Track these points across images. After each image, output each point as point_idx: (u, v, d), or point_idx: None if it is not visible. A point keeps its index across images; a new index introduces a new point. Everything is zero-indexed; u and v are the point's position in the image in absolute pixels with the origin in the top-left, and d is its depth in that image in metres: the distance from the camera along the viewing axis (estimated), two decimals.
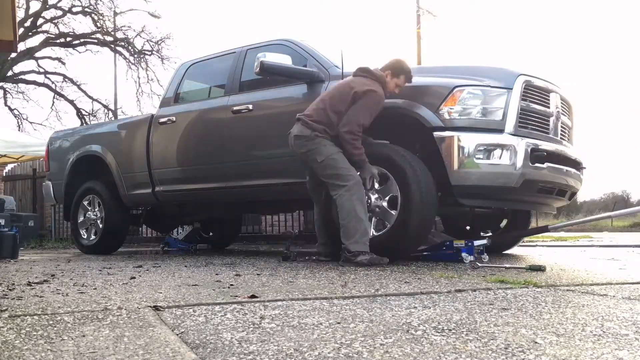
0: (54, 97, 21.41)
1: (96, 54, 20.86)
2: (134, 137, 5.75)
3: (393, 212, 3.73)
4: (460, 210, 4.40)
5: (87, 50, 20.86)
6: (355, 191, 3.60)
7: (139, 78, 20.80)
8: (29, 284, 2.89)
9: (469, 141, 3.64)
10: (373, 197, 3.83)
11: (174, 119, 5.36)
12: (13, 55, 18.05)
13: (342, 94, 3.77)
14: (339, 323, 1.64)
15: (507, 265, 3.49)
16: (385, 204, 3.79)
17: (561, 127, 4.20)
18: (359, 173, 3.68)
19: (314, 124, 3.75)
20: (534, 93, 3.95)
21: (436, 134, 3.70)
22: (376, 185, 3.83)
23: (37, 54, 20.45)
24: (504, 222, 5.04)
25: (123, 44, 20.38)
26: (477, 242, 3.97)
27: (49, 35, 20.33)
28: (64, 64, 20.90)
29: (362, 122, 3.67)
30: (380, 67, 3.89)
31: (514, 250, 5.27)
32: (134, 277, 3.14)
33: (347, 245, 3.57)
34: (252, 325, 1.62)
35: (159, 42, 20.36)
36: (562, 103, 4.24)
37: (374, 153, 3.77)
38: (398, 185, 3.68)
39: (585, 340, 1.38)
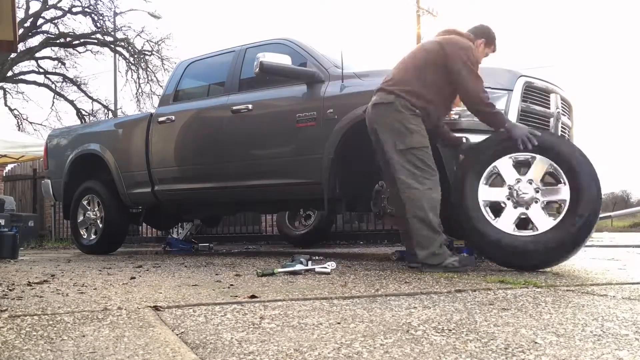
0: (54, 97, 21.43)
1: (96, 54, 20.86)
2: (133, 136, 5.75)
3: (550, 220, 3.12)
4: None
5: (87, 50, 20.86)
6: (426, 197, 3.16)
7: (138, 78, 20.80)
8: (29, 284, 2.89)
9: (469, 143, 3.63)
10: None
11: (173, 118, 5.36)
12: (13, 55, 18.04)
13: (428, 52, 3.32)
14: (339, 323, 1.64)
15: None
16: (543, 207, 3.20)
17: (561, 127, 4.20)
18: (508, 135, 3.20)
19: (395, 87, 3.23)
20: (534, 94, 3.95)
21: None
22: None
23: (37, 54, 20.44)
24: None
25: (123, 44, 20.37)
26: None
27: (49, 35, 20.32)
28: (63, 64, 20.92)
29: (480, 86, 3.20)
30: (469, 32, 3.48)
31: None
32: (134, 277, 3.14)
33: (422, 257, 3.15)
34: (252, 325, 1.62)
35: (159, 43, 20.36)
36: (562, 103, 4.23)
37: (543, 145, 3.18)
38: (570, 190, 3.09)
39: (585, 340, 1.38)
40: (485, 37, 3.49)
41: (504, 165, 3.29)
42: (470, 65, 3.24)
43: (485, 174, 3.29)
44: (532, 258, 3.04)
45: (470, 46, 3.32)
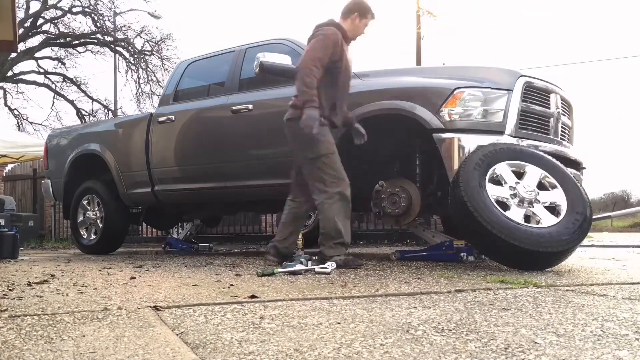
0: (54, 97, 21.42)
1: (96, 54, 20.86)
2: (133, 136, 5.75)
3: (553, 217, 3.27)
4: None
5: (87, 50, 20.85)
6: (336, 200, 3.46)
7: (139, 78, 20.80)
8: (29, 284, 2.89)
9: (469, 143, 3.64)
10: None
11: (173, 118, 5.36)
12: (13, 55, 18.03)
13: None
14: (339, 323, 1.64)
15: None
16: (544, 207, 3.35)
17: (561, 127, 4.20)
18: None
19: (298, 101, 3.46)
20: (535, 94, 3.96)
21: (436, 135, 3.70)
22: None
23: (37, 54, 20.44)
24: None
25: (123, 44, 20.37)
26: None
27: (49, 35, 20.31)
28: (64, 64, 20.91)
29: (318, 56, 3.44)
30: (342, 13, 3.71)
31: None
32: (134, 277, 3.14)
33: (323, 250, 3.51)
34: (252, 325, 1.61)
35: (159, 43, 20.35)
36: (562, 103, 4.24)
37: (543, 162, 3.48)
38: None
39: (585, 340, 1.38)
40: (358, 11, 3.67)
41: (503, 169, 3.40)
42: (321, 40, 3.49)
43: (488, 175, 3.35)
44: (550, 245, 3.04)
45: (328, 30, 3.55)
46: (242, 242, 8.80)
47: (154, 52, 20.50)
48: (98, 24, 20.24)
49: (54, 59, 20.98)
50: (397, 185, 4.07)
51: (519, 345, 1.34)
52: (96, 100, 21.60)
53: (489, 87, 3.77)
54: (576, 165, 4.28)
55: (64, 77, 21.26)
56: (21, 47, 18.77)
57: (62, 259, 5.43)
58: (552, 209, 3.30)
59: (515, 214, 3.22)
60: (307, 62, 3.45)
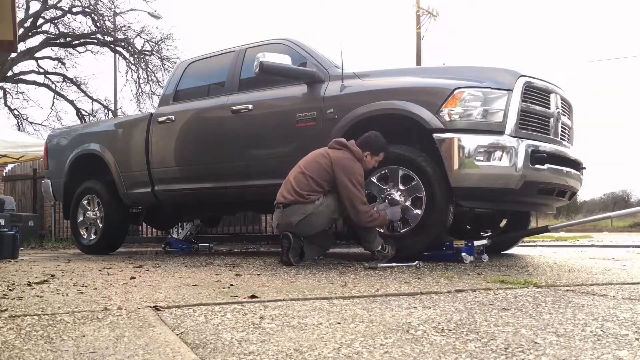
0: (54, 97, 21.38)
1: (96, 54, 20.84)
2: (133, 136, 5.75)
3: (417, 211, 3.82)
4: (460, 210, 4.40)
5: (87, 50, 20.83)
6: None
7: (139, 78, 20.77)
8: (29, 284, 2.89)
9: (469, 143, 3.64)
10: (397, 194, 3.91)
11: (173, 117, 5.36)
12: (13, 55, 18.02)
13: (320, 164, 3.74)
14: (339, 323, 1.64)
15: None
16: (409, 203, 3.87)
17: (561, 127, 4.20)
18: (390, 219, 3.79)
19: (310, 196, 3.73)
20: (535, 94, 3.95)
21: (436, 135, 3.70)
22: (401, 186, 3.91)
23: (37, 54, 20.41)
24: (504, 222, 5.04)
25: (123, 44, 20.36)
26: (477, 242, 3.97)
27: (49, 35, 20.29)
28: (64, 64, 20.89)
29: (363, 198, 3.65)
30: (357, 144, 3.82)
31: (514, 250, 5.27)
32: (134, 277, 3.14)
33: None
34: (252, 325, 1.62)
35: (159, 43, 20.33)
36: (562, 103, 4.24)
37: (397, 156, 3.89)
38: (423, 186, 3.78)
39: (585, 340, 1.38)
40: (371, 149, 3.80)
41: (373, 184, 3.98)
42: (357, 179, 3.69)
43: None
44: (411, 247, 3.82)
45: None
46: (242, 242, 8.79)
47: (154, 52, 20.46)
48: (98, 24, 20.21)
49: (54, 59, 20.97)
50: None
51: (519, 345, 1.34)
52: (96, 100, 21.58)
53: (489, 87, 3.77)
54: (576, 165, 4.28)
55: (64, 77, 21.24)
56: (21, 47, 18.77)
57: (62, 259, 5.43)
58: None
59: None
60: (361, 207, 3.62)
